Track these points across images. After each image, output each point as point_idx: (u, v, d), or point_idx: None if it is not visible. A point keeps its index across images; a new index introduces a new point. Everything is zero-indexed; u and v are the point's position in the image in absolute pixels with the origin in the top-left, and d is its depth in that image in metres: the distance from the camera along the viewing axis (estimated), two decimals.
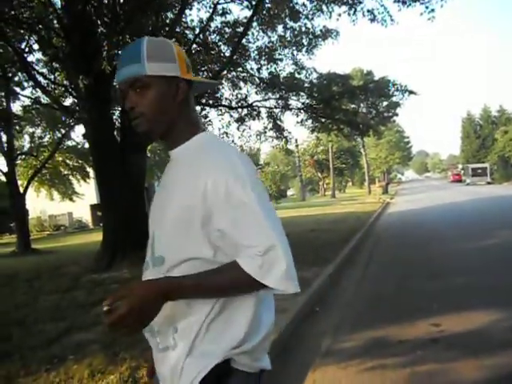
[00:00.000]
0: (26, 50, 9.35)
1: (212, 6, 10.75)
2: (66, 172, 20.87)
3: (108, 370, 3.13)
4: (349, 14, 10.57)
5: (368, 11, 10.45)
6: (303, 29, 11.99)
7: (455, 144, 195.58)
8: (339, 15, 11.03)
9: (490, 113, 59.92)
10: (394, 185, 67.57)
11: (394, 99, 15.14)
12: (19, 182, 16.23)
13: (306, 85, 12.56)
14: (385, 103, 17.06)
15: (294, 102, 12.93)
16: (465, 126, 61.98)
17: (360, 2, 10.36)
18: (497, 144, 51.27)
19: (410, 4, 10.06)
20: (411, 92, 13.08)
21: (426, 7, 9.71)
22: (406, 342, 3.39)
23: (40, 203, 25.40)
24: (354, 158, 50.73)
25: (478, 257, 6.71)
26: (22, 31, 8.97)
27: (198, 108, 12.38)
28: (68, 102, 11.46)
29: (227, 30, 11.47)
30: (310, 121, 13.59)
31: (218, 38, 11.43)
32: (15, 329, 4.46)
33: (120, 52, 1.18)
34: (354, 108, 14.98)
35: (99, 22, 7.51)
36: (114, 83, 1.18)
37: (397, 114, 18.41)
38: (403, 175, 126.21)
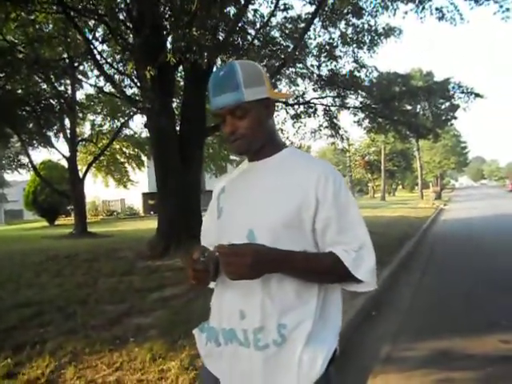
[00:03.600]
0: (97, 39, 9.70)
1: (274, 0, 10.71)
2: (122, 160, 21.58)
3: (169, 356, 3.20)
4: (416, 12, 10.24)
5: (436, 9, 10.05)
6: (365, 26, 11.69)
7: None
8: (405, 13, 10.68)
9: None
10: (448, 191, 64.99)
11: (456, 102, 14.49)
12: (78, 168, 16.98)
13: (366, 83, 12.27)
14: (445, 105, 16.40)
15: (351, 101, 12.70)
16: None
17: (429, 0, 9.99)
18: None
19: (482, 2, 9.60)
20: (477, 95, 12.47)
21: (501, 6, 9.26)
22: (474, 357, 3.23)
23: (95, 189, 26.48)
24: (406, 160, 49.22)
25: None
26: (91, 22, 9.33)
27: None
28: (129, 92, 11.86)
29: (288, 25, 11.39)
30: (366, 120, 13.30)
31: (279, 33, 11.37)
32: (78, 307, 4.66)
33: (213, 77, 1.20)
34: (413, 109, 14.51)
35: (166, 16, 7.66)
36: (214, 108, 1.19)
37: (455, 117, 17.72)
38: (457, 181, 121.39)
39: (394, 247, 8.39)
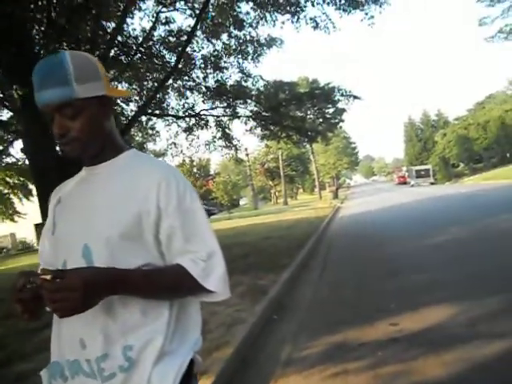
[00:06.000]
0: None
1: (155, 14, 10.55)
2: (6, 191, 19.69)
3: None
4: (292, 22, 10.73)
5: (311, 19, 10.63)
6: (248, 37, 12.01)
7: (399, 148, 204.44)
8: (283, 23, 11.21)
9: (429, 117, 63.30)
10: (344, 189, 69.28)
11: (339, 105, 15.49)
12: None
13: (254, 92, 12.56)
14: (331, 110, 17.43)
15: (241, 110, 12.90)
16: (407, 130, 64.96)
17: (302, 10, 10.52)
18: (437, 146, 53.93)
19: (350, 11, 10.33)
20: (355, 97, 13.42)
21: (366, 14, 10.05)
22: (367, 344, 3.34)
23: None
24: (303, 164, 51.55)
25: (431, 254, 6.73)
26: None
27: (145, 118, 12.06)
28: (5, 116, 10.87)
29: (171, 38, 11.29)
30: (259, 129, 13.61)
31: (162, 47, 11.21)
32: None
33: (38, 68, 1.02)
34: (301, 115, 15.17)
35: (33, 28, 7.10)
36: (39, 105, 1.02)
37: (343, 120, 18.92)
38: (351, 180, 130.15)
39: (294, 249, 8.58)
